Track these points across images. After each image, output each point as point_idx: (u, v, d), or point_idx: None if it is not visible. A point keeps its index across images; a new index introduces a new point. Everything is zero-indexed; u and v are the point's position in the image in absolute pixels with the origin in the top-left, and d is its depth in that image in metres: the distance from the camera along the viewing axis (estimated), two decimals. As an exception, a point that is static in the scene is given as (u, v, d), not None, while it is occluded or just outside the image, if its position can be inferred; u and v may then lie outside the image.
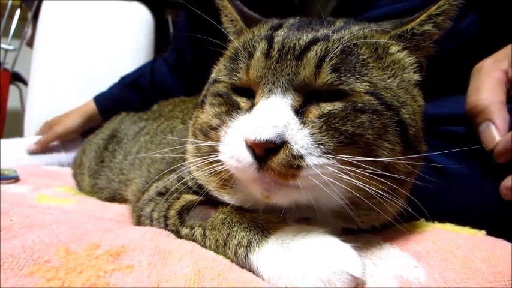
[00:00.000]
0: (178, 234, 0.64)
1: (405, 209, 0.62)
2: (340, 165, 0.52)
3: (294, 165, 0.50)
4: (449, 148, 0.85)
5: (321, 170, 0.51)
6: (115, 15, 2.53)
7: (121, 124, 1.32)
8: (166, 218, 0.67)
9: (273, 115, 0.52)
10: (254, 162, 0.52)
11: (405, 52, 0.62)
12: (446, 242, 0.59)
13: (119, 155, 1.16)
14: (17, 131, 2.48)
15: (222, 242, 0.57)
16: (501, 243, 0.60)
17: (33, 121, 2.35)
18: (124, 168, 1.09)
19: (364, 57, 0.57)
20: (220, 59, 0.68)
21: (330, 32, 0.58)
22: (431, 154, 0.79)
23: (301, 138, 0.52)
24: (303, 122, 0.53)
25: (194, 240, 0.61)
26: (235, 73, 0.60)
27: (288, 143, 0.51)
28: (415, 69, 0.62)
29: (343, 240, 0.52)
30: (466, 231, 0.65)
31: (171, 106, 1.29)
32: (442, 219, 0.69)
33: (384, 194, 0.55)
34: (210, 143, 0.62)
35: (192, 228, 0.63)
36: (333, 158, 0.52)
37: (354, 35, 0.58)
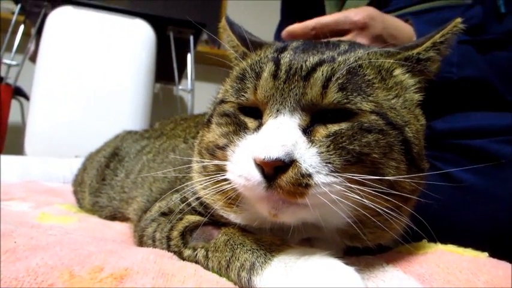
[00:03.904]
0: (181, 256, 0.64)
1: (410, 226, 0.63)
2: (347, 184, 0.53)
3: (303, 184, 0.51)
4: (463, 160, 0.87)
5: (329, 188, 0.52)
6: (118, 32, 2.56)
7: (123, 142, 1.32)
8: (168, 239, 0.67)
9: (282, 134, 0.53)
10: (263, 181, 0.52)
11: (407, 75, 0.64)
12: (449, 264, 0.59)
13: (120, 173, 1.16)
14: (18, 146, 2.48)
15: (225, 264, 0.57)
16: (504, 266, 0.60)
17: (34, 136, 2.36)
18: (126, 187, 1.09)
19: (369, 78, 0.58)
20: (227, 79, 0.69)
21: (336, 54, 0.60)
22: (443, 171, 0.80)
23: (309, 157, 0.52)
24: (311, 141, 0.54)
25: (197, 262, 0.61)
26: (243, 93, 0.61)
27: (297, 161, 0.51)
28: (416, 90, 0.64)
29: (346, 263, 0.52)
30: (469, 253, 0.65)
31: (173, 124, 1.29)
32: (450, 234, 0.69)
33: (389, 211, 0.55)
34: (216, 162, 0.62)
35: (194, 249, 0.63)
36: (340, 176, 0.53)
37: (359, 57, 0.59)
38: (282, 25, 1.62)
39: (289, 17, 1.62)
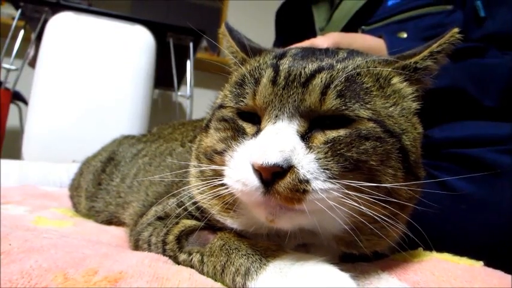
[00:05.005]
0: (176, 260, 0.64)
1: (406, 234, 0.63)
2: (344, 190, 0.53)
3: (300, 190, 0.51)
4: (460, 170, 0.88)
5: (326, 194, 0.52)
6: (117, 38, 2.57)
7: (119, 147, 1.32)
8: (164, 243, 0.67)
9: (280, 140, 0.54)
10: (260, 186, 0.52)
11: (405, 83, 0.64)
12: (444, 272, 0.59)
13: (116, 177, 1.16)
14: (16, 150, 2.48)
15: (220, 269, 0.57)
16: (499, 275, 0.60)
17: (32, 141, 2.36)
18: (121, 191, 1.09)
19: (368, 85, 0.59)
20: (226, 85, 0.70)
21: (334, 61, 0.60)
22: (437, 180, 0.81)
23: (307, 163, 0.52)
24: (309, 147, 0.54)
25: (192, 267, 0.61)
26: (242, 98, 0.61)
27: (295, 167, 0.52)
28: (413, 99, 0.65)
29: (342, 269, 0.52)
30: (464, 262, 0.65)
31: (171, 129, 1.30)
32: (446, 243, 0.69)
33: (385, 218, 0.56)
34: (214, 167, 0.62)
35: (190, 254, 0.63)
36: (338, 182, 0.53)
37: (357, 65, 0.60)
38: (276, 42, 1.65)
39: (282, 33, 1.65)
